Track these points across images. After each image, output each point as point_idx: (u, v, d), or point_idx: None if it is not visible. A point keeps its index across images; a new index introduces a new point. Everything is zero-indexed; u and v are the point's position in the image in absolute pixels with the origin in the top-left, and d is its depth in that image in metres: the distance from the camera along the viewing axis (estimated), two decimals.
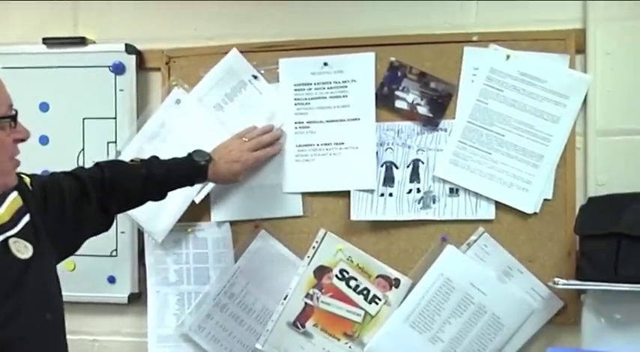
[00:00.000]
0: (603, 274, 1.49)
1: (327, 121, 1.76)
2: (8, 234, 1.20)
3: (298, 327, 1.74)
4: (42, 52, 1.87)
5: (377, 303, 1.72)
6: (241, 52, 1.79)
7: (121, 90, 1.84)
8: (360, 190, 1.73)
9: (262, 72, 1.79)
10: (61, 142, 1.87)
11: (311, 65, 1.77)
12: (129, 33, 1.86)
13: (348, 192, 1.74)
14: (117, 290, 1.86)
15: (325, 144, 1.76)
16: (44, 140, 1.87)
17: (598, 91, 1.65)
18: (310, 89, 1.77)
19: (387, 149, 1.74)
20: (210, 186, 1.77)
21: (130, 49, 1.84)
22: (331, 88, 1.76)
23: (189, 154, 1.59)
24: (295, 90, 1.78)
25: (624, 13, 1.64)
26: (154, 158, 1.56)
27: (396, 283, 1.72)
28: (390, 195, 1.73)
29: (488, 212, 1.69)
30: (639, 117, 1.65)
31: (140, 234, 1.85)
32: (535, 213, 1.67)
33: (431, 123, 1.72)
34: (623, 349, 1.51)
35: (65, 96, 1.87)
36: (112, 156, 1.83)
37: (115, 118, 1.85)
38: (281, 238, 1.78)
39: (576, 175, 1.67)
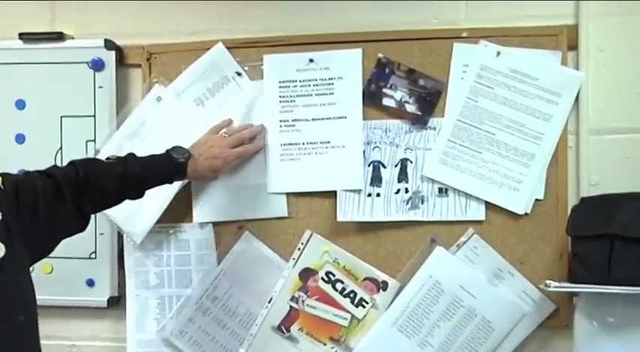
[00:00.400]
0: (596, 276, 1.47)
1: (312, 119, 1.75)
2: None
3: (283, 331, 1.73)
4: (18, 48, 1.84)
5: (364, 307, 1.70)
6: None
7: (100, 87, 1.81)
8: (346, 190, 1.72)
9: (246, 68, 1.77)
10: (38, 141, 1.84)
11: (296, 62, 1.75)
12: (108, 28, 1.84)
13: (335, 192, 1.72)
14: (96, 293, 1.83)
15: (311, 143, 1.75)
16: (20, 139, 1.85)
17: (591, 89, 1.64)
18: (295, 86, 1.76)
19: (374, 148, 1.72)
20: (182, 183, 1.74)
21: (109, 44, 1.81)
22: (317, 85, 1.75)
23: (168, 151, 1.57)
24: (280, 87, 1.76)
25: (618, 9, 1.63)
26: (131, 155, 1.53)
27: (384, 286, 1.71)
28: (378, 195, 1.71)
29: (479, 212, 1.68)
30: (633, 115, 1.64)
31: (120, 235, 1.82)
32: (526, 214, 1.66)
33: (419, 121, 1.71)
34: None
35: (42, 94, 1.84)
36: (90, 155, 1.80)
37: (94, 116, 1.82)
38: (265, 240, 1.77)
39: (568, 175, 1.66)
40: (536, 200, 1.66)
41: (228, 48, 1.77)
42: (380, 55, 1.71)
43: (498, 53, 1.66)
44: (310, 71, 1.74)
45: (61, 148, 1.83)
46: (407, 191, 1.70)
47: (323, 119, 1.74)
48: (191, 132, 1.70)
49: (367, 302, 1.70)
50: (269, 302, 1.73)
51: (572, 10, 1.65)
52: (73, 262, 1.81)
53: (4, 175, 1.31)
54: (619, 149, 1.64)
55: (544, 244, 1.66)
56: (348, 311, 1.71)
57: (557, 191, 1.65)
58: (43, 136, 1.84)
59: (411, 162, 1.71)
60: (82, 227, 1.45)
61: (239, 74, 1.77)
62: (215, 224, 1.79)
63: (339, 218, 1.70)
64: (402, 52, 1.70)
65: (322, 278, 1.72)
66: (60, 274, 1.82)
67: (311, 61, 1.74)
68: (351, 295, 1.71)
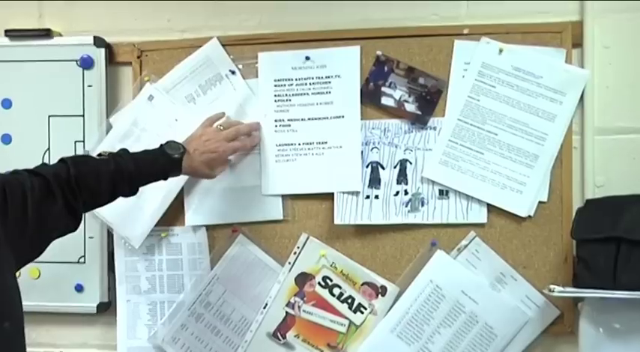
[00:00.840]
0: (601, 281, 1.46)
1: (309, 119, 1.73)
2: None
3: (279, 338, 1.72)
4: (4, 45, 1.83)
5: (362, 312, 1.69)
6: None
7: (90, 85, 1.80)
8: (344, 192, 1.70)
9: (240, 66, 1.77)
10: (25, 141, 1.83)
11: (292, 59, 1.74)
12: (97, 25, 1.82)
13: (332, 194, 1.71)
14: (85, 299, 1.81)
15: (307, 144, 1.73)
16: (7, 139, 1.83)
17: (596, 87, 1.63)
18: (291, 85, 1.74)
19: (372, 148, 1.71)
20: (182, 181, 1.73)
21: (98, 41, 1.80)
22: (313, 83, 1.73)
23: (162, 146, 1.56)
24: (275, 86, 1.75)
25: (624, 5, 1.62)
26: (124, 151, 1.51)
27: (383, 291, 1.69)
28: (376, 197, 1.70)
29: (480, 215, 1.67)
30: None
31: (110, 239, 1.82)
32: (529, 217, 1.65)
33: (419, 121, 1.69)
34: None
35: (29, 92, 1.82)
36: None
37: (83, 116, 1.81)
38: (260, 243, 1.75)
39: (573, 176, 1.65)
40: (540, 202, 1.64)
41: (221, 45, 1.76)
42: (378, 53, 1.70)
43: (501, 50, 1.65)
44: (306, 69, 1.73)
45: (48, 149, 1.82)
46: (406, 193, 1.69)
47: (320, 119, 1.72)
48: (185, 131, 1.67)
49: (365, 308, 1.69)
50: (264, 308, 1.72)
51: (576, 6, 1.63)
52: (61, 266, 1.80)
53: None
54: (625, 149, 1.63)
55: (548, 248, 1.64)
56: (345, 317, 1.70)
57: (561, 193, 1.64)
58: (30, 137, 1.82)
59: (411, 163, 1.69)
60: (73, 227, 1.43)
61: (233, 72, 1.76)
62: (208, 227, 1.77)
63: (337, 221, 1.69)
64: (401, 50, 1.69)
65: (319, 283, 1.71)
66: (47, 279, 1.81)
67: (307, 58, 1.73)
68: (349, 300, 1.70)
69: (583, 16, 1.62)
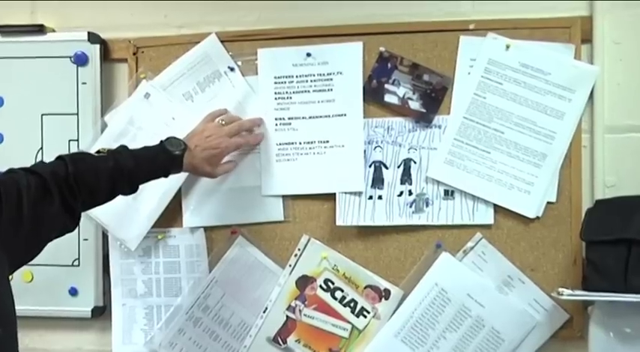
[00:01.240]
0: (612, 284, 1.45)
1: (310, 117, 1.72)
2: None
3: (279, 343, 1.71)
4: None
5: (365, 316, 1.68)
6: None
7: (84, 83, 1.79)
8: (346, 193, 1.69)
9: (239, 63, 1.75)
10: (18, 140, 1.82)
11: (293, 56, 1.72)
12: (92, 20, 1.81)
13: (334, 194, 1.70)
14: (79, 303, 1.80)
15: (308, 143, 1.72)
16: None
17: (606, 84, 1.62)
18: (292, 82, 1.73)
19: (375, 147, 1.70)
20: (180, 181, 1.71)
21: (93, 38, 1.79)
22: (315, 80, 1.72)
23: (162, 142, 1.54)
24: (275, 83, 1.74)
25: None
26: (123, 148, 1.49)
27: (386, 294, 1.68)
28: (380, 197, 1.69)
29: (487, 216, 1.66)
30: None
31: (105, 241, 1.80)
32: (538, 218, 1.64)
33: (424, 119, 1.68)
34: None
35: (22, 90, 1.81)
36: None
37: (77, 114, 1.79)
38: (260, 245, 1.74)
39: (582, 176, 1.64)
40: (548, 203, 1.63)
41: (220, 41, 1.75)
42: (382, 49, 1.69)
43: (508, 46, 1.64)
44: (308, 66, 1.72)
45: (41, 148, 1.80)
46: (410, 193, 1.68)
47: (321, 117, 1.71)
48: (183, 130, 1.65)
49: (368, 312, 1.68)
50: (264, 312, 1.71)
51: (586, 1, 1.62)
52: (55, 270, 1.78)
53: None
54: (637, 148, 1.62)
55: (556, 250, 1.63)
56: (348, 322, 1.69)
57: (570, 193, 1.63)
58: (22, 135, 1.81)
59: (415, 162, 1.68)
60: (72, 226, 1.41)
61: (232, 69, 1.75)
62: (207, 229, 1.76)
63: (339, 222, 1.68)
64: (405, 46, 1.68)
65: (321, 286, 1.70)
66: (41, 283, 1.80)
67: (308, 55, 1.72)
68: (352, 304, 1.69)
69: (592, 10, 1.62)
